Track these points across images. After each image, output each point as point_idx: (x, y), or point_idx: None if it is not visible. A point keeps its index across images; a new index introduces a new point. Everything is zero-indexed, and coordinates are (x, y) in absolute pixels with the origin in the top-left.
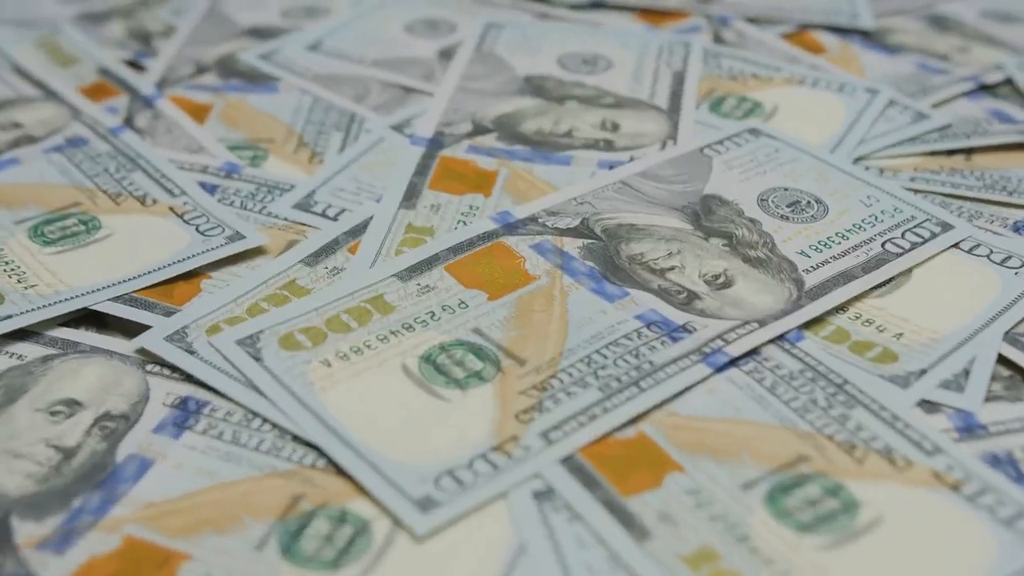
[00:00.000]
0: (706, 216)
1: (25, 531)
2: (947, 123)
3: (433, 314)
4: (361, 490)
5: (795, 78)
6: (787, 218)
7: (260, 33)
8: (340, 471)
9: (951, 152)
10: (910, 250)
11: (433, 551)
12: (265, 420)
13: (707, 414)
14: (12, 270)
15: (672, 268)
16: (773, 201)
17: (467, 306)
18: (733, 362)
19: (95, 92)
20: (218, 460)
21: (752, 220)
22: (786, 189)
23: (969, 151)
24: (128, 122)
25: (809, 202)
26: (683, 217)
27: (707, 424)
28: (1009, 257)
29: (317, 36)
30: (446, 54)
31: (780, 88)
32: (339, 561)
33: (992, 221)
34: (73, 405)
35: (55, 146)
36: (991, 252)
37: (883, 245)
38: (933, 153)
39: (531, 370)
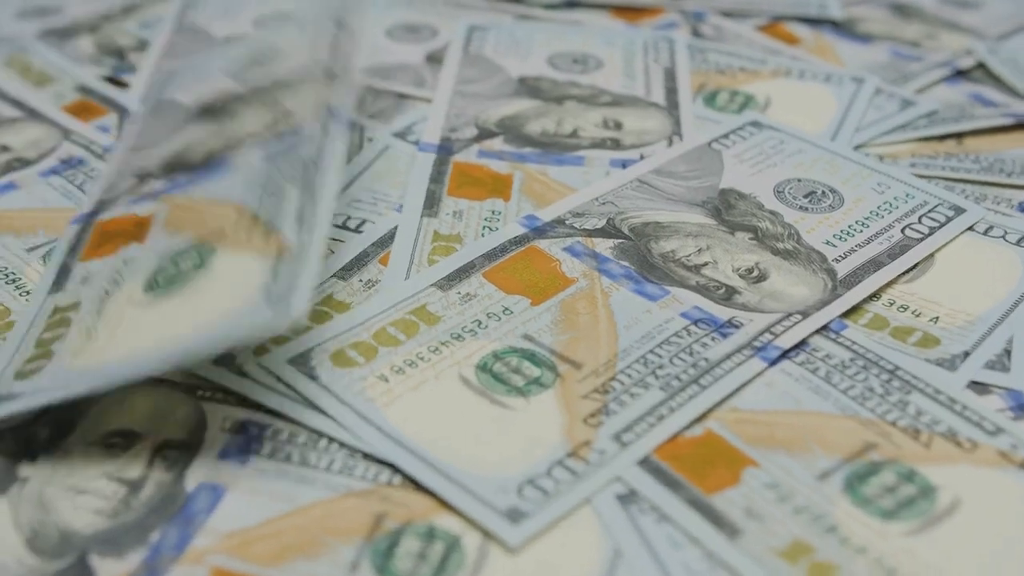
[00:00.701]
0: (727, 211)
1: (107, 569)
2: (934, 109)
3: (480, 322)
4: (443, 505)
5: (781, 70)
6: (806, 209)
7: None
8: (417, 487)
9: (942, 137)
10: (929, 235)
11: (529, 562)
12: (331, 440)
13: (769, 407)
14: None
15: (705, 264)
16: (790, 192)
17: (511, 312)
18: (784, 354)
19: (80, 111)
20: (292, 483)
21: (773, 212)
22: (799, 180)
23: (959, 135)
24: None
25: (824, 192)
26: (705, 212)
27: (771, 417)
28: (1018, 238)
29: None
30: (433, 58)
31: (768, 80)
32: None
33: (998, 203)
34: (129, 436)
35: (51, 168)
36: (1006, 233)
37: (903, 231)
38: (926, 139)
39: (589, 373)
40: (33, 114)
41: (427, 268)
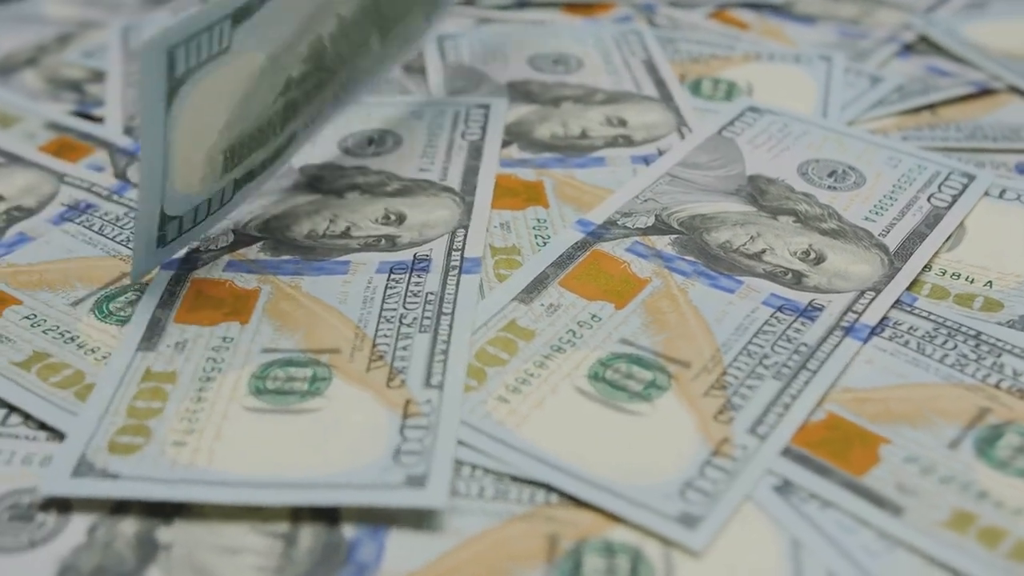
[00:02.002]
0: (761, 196)
1: None
2: (900, 83)
3: (573, 332)
4: (610, 518)
5: (751, 54)
6: (834, 188)
7: None
8: (577, 503)
9: (917, 110)
10: (954, 202)
11: (716, 564)
12: (475, 467)
13: (877, 384)
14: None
15: (763, 251)
16: (814, 173)
17: (600, 319)
18: (872, 331)
19: (62, 151)
20: (450, 516)
21: (806, 194)
22: (818, 160)
23: (932, 107)
24: (123, 178)
25: (845, 171)
26: (742, 200)
27: (883, 394)
28: None
29: None
30: (410, 68)
31: (742, 66)
32: None
33: (997, 167)
34: None
35: (61, 215)
36: (1020, 195)
37: (929, 200)
38: (903, 112)
39: (700, 371)
40: (13, 158)
41: (499, 284)
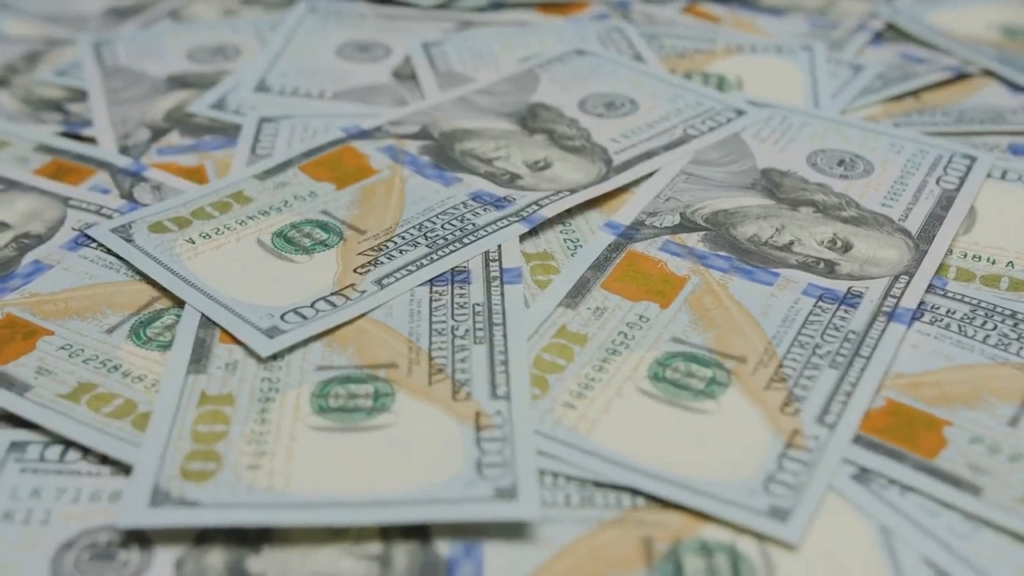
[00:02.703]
0: (777, 189)
1: None
2: (880, 71)
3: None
4: (699, 517)
5: (733, 47)
6: (846, 176)
7: (183, 82)
8: (664, 504)
9: (900, 96)
10: (961, 184)
11: (812, 556)
12: (556, 475)
13: (927, 368)
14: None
15: (791, 243)
16: (823, 163)
17: (647, 319)
18: (913, 316)
19: (60, 174)
20: (541, 525)
21: (820, 184)
22: (824, 151)
23: (915, 93)
24: (130, 199)
25: (852, 159)
26: (759, 193)
27: (935, 377)
28: None
29: (257, 76)
30: (399, 75)
31: (727, 59)
32: None
33: (991, 149)
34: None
35: (74, 240)
36: (1021, 176)
37: (938, 183)
38: (888, 100)
39: (757, 365)
40: (10, 183)
41: (541, 291)
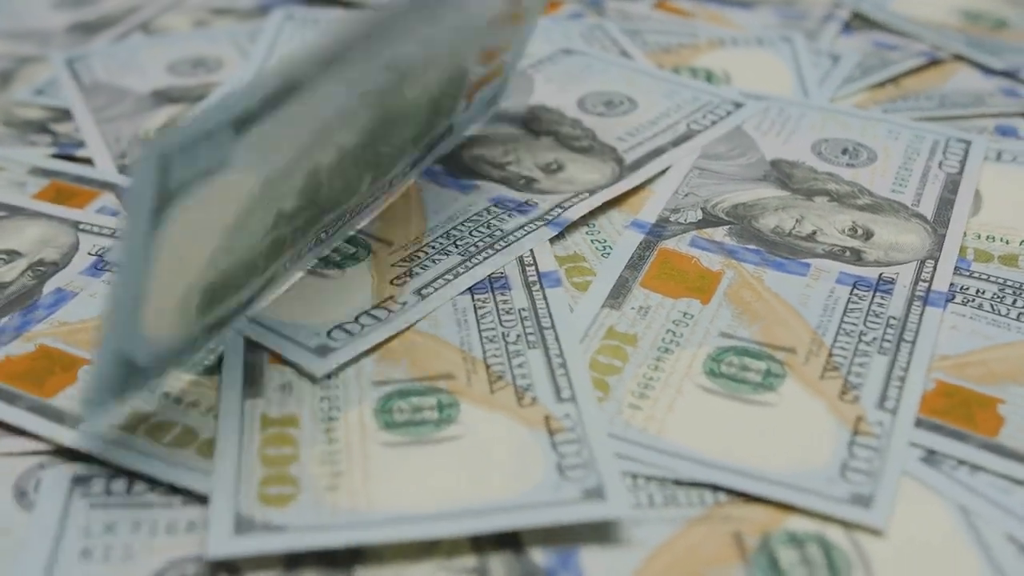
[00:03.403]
0: (789, 180)
1: None
2: (858, 59)
3: (672, 332)
4: (783, 509)
5: (715, 40)
6: (852, 165)
7: (169, 96)
8: (746, 498)
9: (882, 84)
10: (963, 168)
11: (900, 540)
12: (635, 476)
13: (969, 348)
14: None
15: (814, 232)
16: (827, 151)
17: (691, 315)
18: (947, 299)
19: (61, 197)
20: (630, 527)
21: (829, 173)
22: (827, 140)
23: (894, 79)
24: None
25: (855, 147)
26: (773, 185)
27: (979, 356)
28: None
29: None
30: None
31: (711, 52)
32: None
33: (981, 132)
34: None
35: (95, 266)
36: (1015, 157)
37: (940, 167)
38: (871, 87)
39: (808, 355)
40: (13, 209)
41: (582, 293)
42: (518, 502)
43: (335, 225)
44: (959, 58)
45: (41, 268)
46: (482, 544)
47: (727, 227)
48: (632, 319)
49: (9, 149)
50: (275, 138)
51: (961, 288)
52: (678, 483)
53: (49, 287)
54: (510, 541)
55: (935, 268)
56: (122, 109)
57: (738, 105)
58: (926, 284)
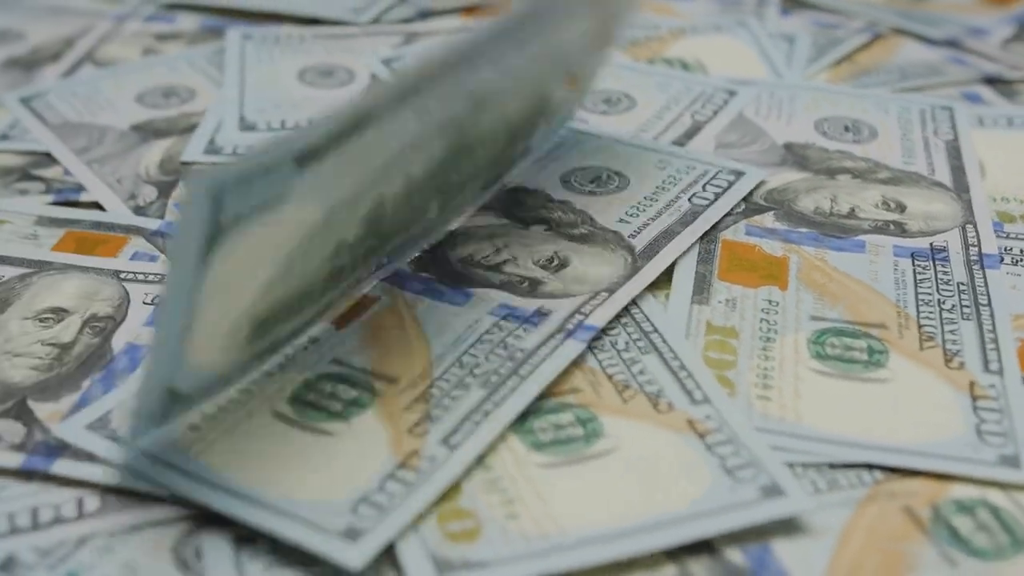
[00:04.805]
0: (806, 162)
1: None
2: (810, 40)
3: (765, 320)
4: (937, 479)
5: (676, 30)
6: (857, 141)
7: (152, 130)
8: (901, 473)
9: (839, 62)
10: (956, 134)
11: None
12: (792, 465)
13: None
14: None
15: (852, 210)
16: (831, 130)
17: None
18: (1000, 262)
19: (85, 246)
20: (807, 516)
21: (841, 151)
22: (827, 119)
23: (849, 57)
24: None
25: (855, 124)
26: (792, 168)
27: None
28: (1011, 120)
29: (234, 115)
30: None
31: (677, 42)
32: None
33: (951, 101)
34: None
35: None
36: (996, 120)
37: (936, 135)
38: (832, 65)
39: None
40: (39, 264)
41: (665, 292)
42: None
43: (399, 250)
44: (898, 31)
45: (98, 324)
46: (673, 551)
47: (772, 213)
48: (724, 313)
49: (5, 200)
50: (340, 172)
51: (1005, 249)
52: (833, 467)
53: (118, 344)
54: (702, 545)
55: (977, 232)
56: (108, 148)
57: (731, 92)
58: (976, 248)
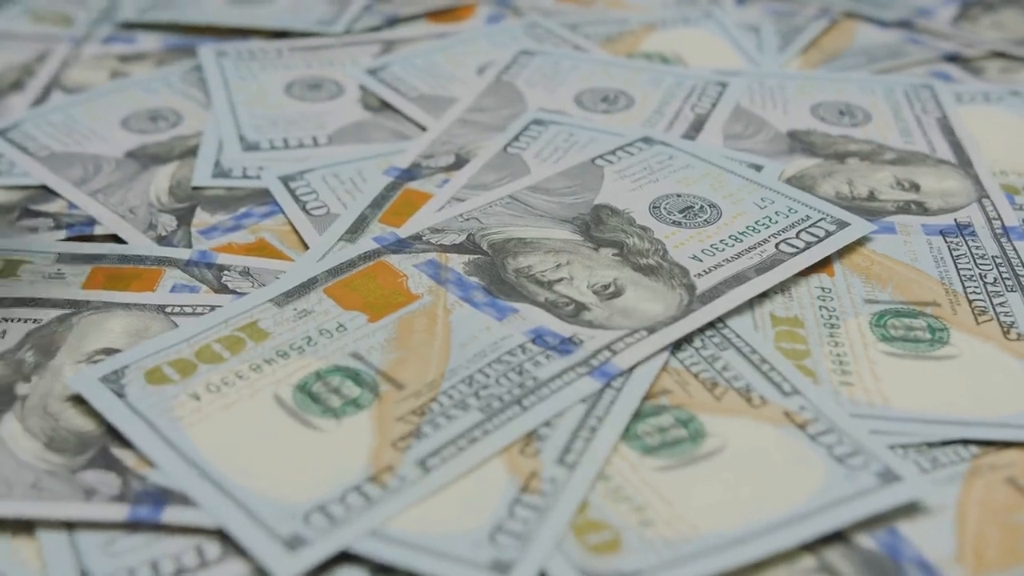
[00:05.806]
0: (809, 148)
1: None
2: (774, 28)
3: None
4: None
5: (648, 25)
6: (855, 124)
7: (148, 155)
8: (996, 446)
9: (806, 48)
10: (945, 112)
11: None
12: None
13: None
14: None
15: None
16: (828, 115)
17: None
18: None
19: (118, 282)
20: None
21: (844, 136)
22: (820, 104)
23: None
24: (226, 290)
25: (849, 108)
26: (801, 155)
27: None
28: (1002, 96)
29: (232, 135)
30: (369, 106)
31: (651, 36)
32: None
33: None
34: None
35: None
36: (973, 97)
37: (925, 112)
38: (801, 53)
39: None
40: (74, 304)
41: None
42: (819, 502)
43: None
44: (850, 15)
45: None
46: (810, 544)
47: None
48: (783, 303)
49: (13, 240)
50: None
51: (1021, 221)
52: (930, 445)
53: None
54: (832, 535)
55: (995, 206)
56: (108, 178)
57: (722, 84)
58: (999, 222)
